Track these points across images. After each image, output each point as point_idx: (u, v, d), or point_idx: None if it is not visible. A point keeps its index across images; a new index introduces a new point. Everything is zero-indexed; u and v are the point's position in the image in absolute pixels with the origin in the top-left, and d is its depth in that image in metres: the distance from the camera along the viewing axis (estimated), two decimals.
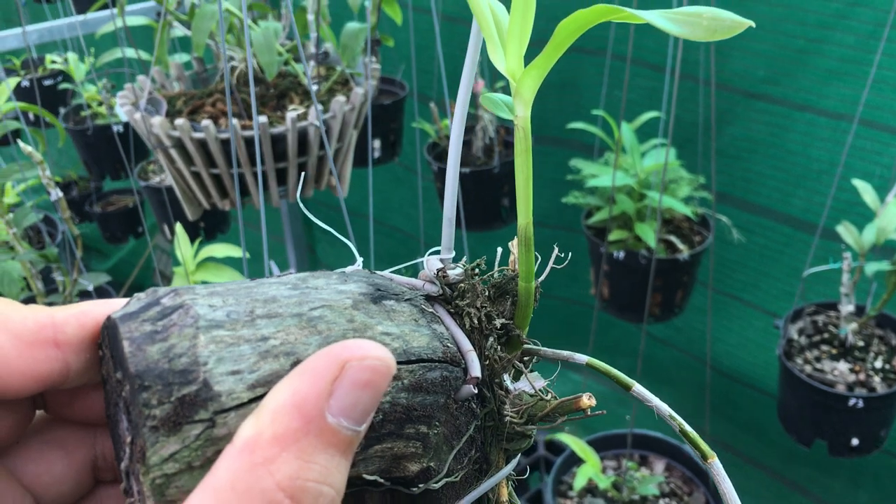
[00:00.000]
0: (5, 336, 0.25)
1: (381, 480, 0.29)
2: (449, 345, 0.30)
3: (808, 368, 1.28)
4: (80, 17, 1.48)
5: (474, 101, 1.63)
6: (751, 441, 1.79)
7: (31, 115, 1.37)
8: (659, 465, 1.42)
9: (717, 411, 1.70)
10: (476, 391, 0.30)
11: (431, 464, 0.30)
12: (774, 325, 1.34)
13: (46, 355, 0.26)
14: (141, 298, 0.26)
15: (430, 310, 0.31)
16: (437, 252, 0.34)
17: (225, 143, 1.04)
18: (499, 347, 0.32)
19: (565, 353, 0.33)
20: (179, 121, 1.02)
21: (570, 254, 0.36)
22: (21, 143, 0.88)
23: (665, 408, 0.31)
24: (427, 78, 1.74)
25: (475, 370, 0.30)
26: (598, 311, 1.56)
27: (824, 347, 1.32)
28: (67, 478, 0.29)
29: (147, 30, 1.33)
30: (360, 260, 0.34)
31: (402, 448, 0.29)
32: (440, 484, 0.30)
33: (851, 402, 1.20)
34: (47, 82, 1.74)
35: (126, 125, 1.62)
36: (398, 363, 0.28)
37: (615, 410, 1.89)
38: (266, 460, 0.22)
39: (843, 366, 1.28)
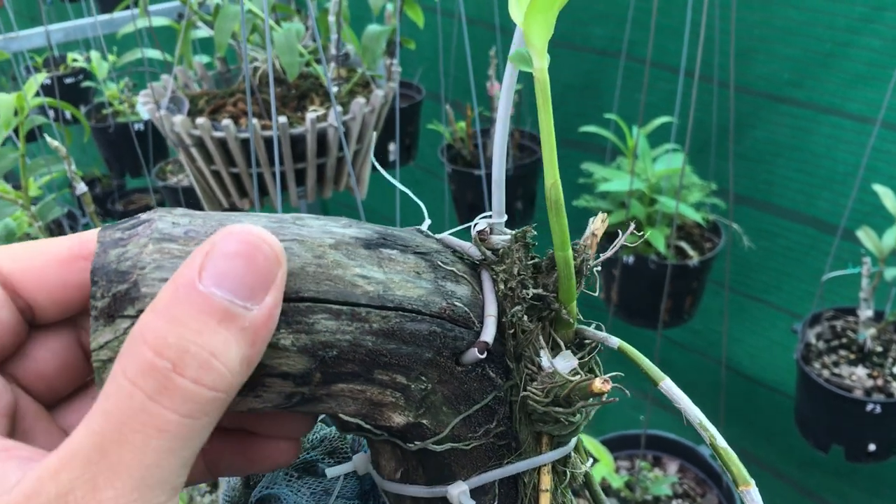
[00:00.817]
0: (45, 258, 0.28)
1: (365, 425, 0.30)
2: (456, 304, 0.30)
3: (825, 373, 1.27)
4: (104, 17, 1.49)
5: (490, 103, 1.64)
6: (767, 446, 1.79)
7: (53, 112, 1.39)
8: (672, 466, 1.42)
9: (736, 415, 1.69)
10: (482, 356, 0.29)
11: (423, 421, 0.30)
12: (792, 329, 1.34)
13: (79, 267, 0.28)
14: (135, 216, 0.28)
15: (451, 268, 0.31)
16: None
17: (245, 143, 1.05)
18: (525, 317, 0.31)
19: (602, 334, 0.32)
20: (200, 120, 1.03)
21: (644, 233, 0.35)
22: (48, 138, 0.90)
23: (695, 412, 0.29)
24: (444, 80, 1.75)
25: (485, 335, 0.30)
26: (612, 316, 1.56)
27: (842, 352, 1.32)
28: (57, 369, 0.30)
29: (168, 30, 1.35)
30: (427, 222, 0.34)
31: (377, 394, 0.29)
32: (443, 447, 0.30)
33: (869, 407, 1.19)
34: (68, 80, 1.76)
35: (146, 124, 1.63)
36: (371, 307, 0.28)
37: (629, 414, 1.89)
38: (141, 328, 0.23)
39: (861, 371, 1.27)
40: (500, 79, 1.64)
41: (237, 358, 0.24)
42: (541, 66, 0.29)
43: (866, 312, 1.29)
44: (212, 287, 0.23)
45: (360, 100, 1.08)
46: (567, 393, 0.30)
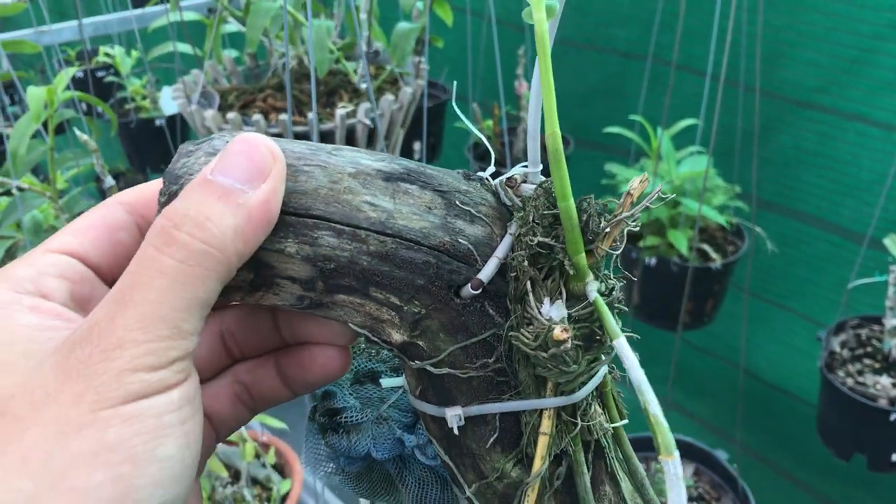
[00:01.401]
0: (107, 231, 0.33)
1: (372, 337, 0.32)
2: (460, 240, 0.32)
3: (849, 381, 1.26)
4: (136, 11, 1.51)
5: (518, 101, 1.64)
6: (787, 454, 1.77)
7: (82, 105, 1.40)
8: (687, 470, 1.41)
9: (756, 422, 1.68)
10: (475, 292, 0.32)
11: (419, 342, 0.32)
12: (817, 337, 1.33)
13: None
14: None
15: (468, 209, 0.32)
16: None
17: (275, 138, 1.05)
18: (525, 263, 0.31)
19: (591, 291, 0.32)
20: (231, 115, 1.03)
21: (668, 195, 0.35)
22: (77, 132, 0.90)
23: (638, 375, 0.29)
24: (472, 80, 1.75)
25: (482, 273, 0.32)
26: (631, 318, 1.56)
27: (867, 361, 1.31)
28: (206, 357, 0.35)
29: (197, 25, 1.36)
30: (491, 170, 0.35)
31: (374, 309, 0.32)
32: (440, 371, 0.33)
33: (893, 416, 1.18)
34: (100, 73, 1.77)
35: (168, 119, 1.64)
36: (370, 231, 0.31)
37: (641, 418, 1.88)
38: (165, 209, 0.29)
39: (885, 380, 1.26)
40: (527, 78, 1.64)
41: (230, 225, 0.28)
42: (539, 17, 0.29)
43: (892, 321, 1.28)
44: (218, 175, 0.29)
45: (389, 97, 1.08)
46: (544, 339, 0.30)
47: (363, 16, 1.15)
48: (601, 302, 0.30)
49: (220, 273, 0.28)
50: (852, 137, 1.42)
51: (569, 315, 0.31)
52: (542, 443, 0.32)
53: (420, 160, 1.57)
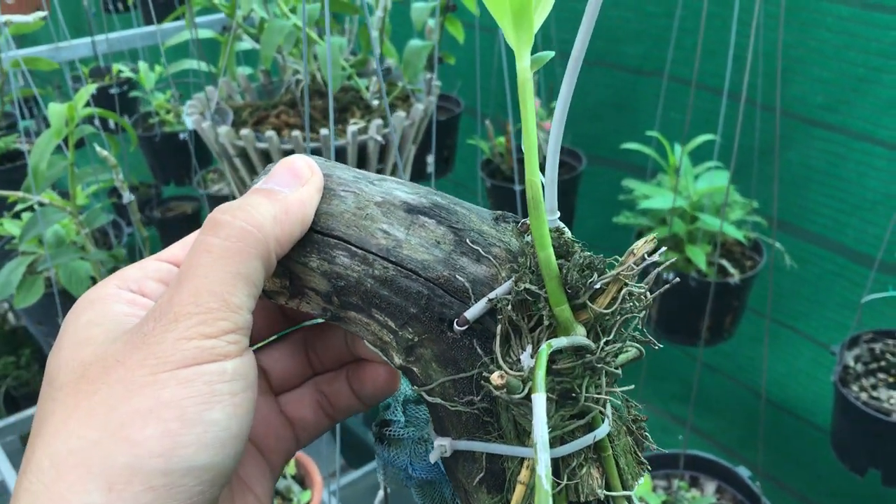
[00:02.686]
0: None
1: (382, 357, 0.34)
2: (458, 277, 0.33)
3: (863, 396, 1.26)
4: (152, 28, 1.52)
5: None
6: (799, 474, 1.76)
7: (98, 121, 1.42)
8: (710, 487, 1.41)
9: (765, 443, 1.68)
10: (461, 328, 0.32)
11: (414, 368, 0.34)
12: (831, 351, 1.33)
13: None
14: None
15: (478, 248, 0.33)
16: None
17: (287, 154, 1.07)
18: (509, 307, 0.32)
19: (579, 340, 0.32)
20: (244, 131, 1.05)
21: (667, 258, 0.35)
22: (98, 148, 0.92)
23: (540, 433, 0.28)
24: (484, 95, 1.76)
25: (469, 311, 0.32)
26: (651, 333, 1.56)
27: (881, 375, 1.30)
28: (292, 366, 0.40)
29: (212, 42, 1.37)
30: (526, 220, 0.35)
31: (377, 330, 0.34)
32: (433, 400, 0.33)
33: None
34: (113, 90, 1.79)
35: (191, 133, 1.66)
36: (377, 256, 0.33)
37: (659, 438, 1.87)
38: (217, 208, 0.33)
39: None
40: (539, 95, 1.65)
41: (269, 211, 0.32)
42: (522, 66, 0.30)
43: None
44: (268, 184, 0.33)
45: (401, 113, 1.09)
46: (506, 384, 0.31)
47: (375, 33, 1.17)
48: (543, 354, 0.30)
49: (261, 252, 0.31)
50: (858, 156, 1.42)
51: (548, 368, 0.31)
52: (519, 492, 0.32)
53: (431, 174, 1.58)
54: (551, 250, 0.32)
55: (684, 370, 1.82)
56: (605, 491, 0.33)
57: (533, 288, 0.32)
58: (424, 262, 0.33)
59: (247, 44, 1.31)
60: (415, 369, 0.34)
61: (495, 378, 0.29)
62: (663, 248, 0.34)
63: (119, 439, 0.27)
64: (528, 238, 0.34)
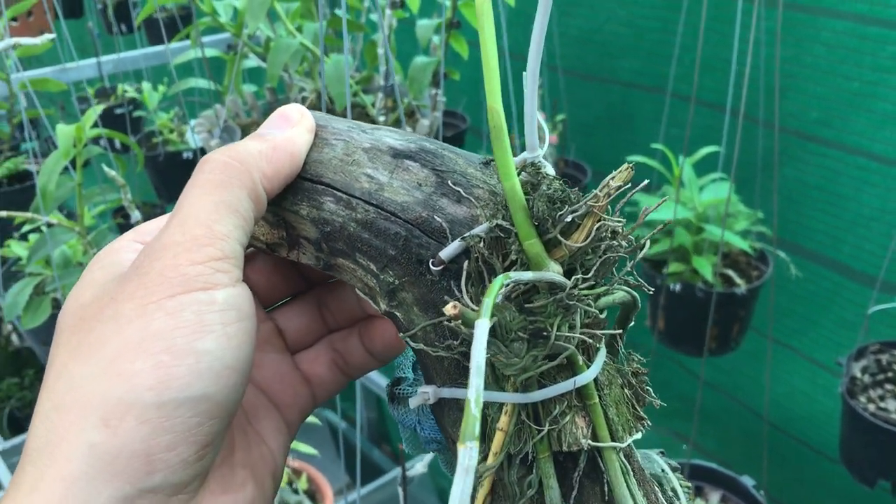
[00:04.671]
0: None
1: (373, 305, 0.34)
2: (436, 217, 0.32)
3: (871, 407, 1.26)
4: (158, 48, 1.54)
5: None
6: (799, 495, 1.75)
7: (103, 142, 1.43)
8: (714, 496, 1.41)
9: (760, 461, 1.67)
10: (436, 268, 0.32)
11: (397, 313, 0.33)
12: (837, 362, 1.33)
13: None
14: None
15: (458, 189, 0.33)
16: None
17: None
18: (482, 244, 0.31)
19: (547, 275, 0.30)
20: (214, 150, 1.05)
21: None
22: (105, 168, 0.92)
23: (477, 361, 0.28)
24: (483, 111, 1.77)
25: (444, 251, 0.32)
26: (651, 352, 1.56)
27: (888, 386, 1.30)
28: (307, 324, 0.40)
29: (216, 61, 1.38)
30: (541, 151, 0.34)
31: (363, 275, 0.34)
32: (417, 346, 0.33)
33: None
34: (118, 110, 1.80)
35: (195, 152, 1.67)
36: (360, 199, 0.33)
37: (663, 447, 1.86)
38: None
39: None
40: (543, 109, 1.66)
41: (254, 147, 0.33)
42: None
43: None
44: (259, 130, 0.34)
45: (407, 129, 1.10)
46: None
47: (381, 50, 1.18)
48: (497, 283, 0.28)
49: (244, 182, 0.31)
50: (854, 172, 1.42)
51: (520, 306, 0.30)
52: (498, 439, 0.31)
53: None
54: (516, 180, 0.30)
55: (684, 387, 1.82)
56: (590, 441, 0.32)
57: (505, 224, 0.31)
58: (404, 204, 0.33)
59: (252, 62, 1.32)
60: (398, 314, 0.33)
61: (449, 308, 0.28)
62: (645, 181, 0.33)
63: (112, 374, 0.27)
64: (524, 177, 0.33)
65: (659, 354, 1.71)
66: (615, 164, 0.31)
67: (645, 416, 0.34)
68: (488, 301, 0.26)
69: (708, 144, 1.47)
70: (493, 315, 0.29)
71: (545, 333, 0.30)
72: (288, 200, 0.34)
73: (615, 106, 1.73)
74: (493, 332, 0.30)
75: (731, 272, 1.42)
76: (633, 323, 0.36)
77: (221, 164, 0.32)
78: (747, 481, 1.37)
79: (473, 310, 0.30)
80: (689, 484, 0.36)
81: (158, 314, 0.28)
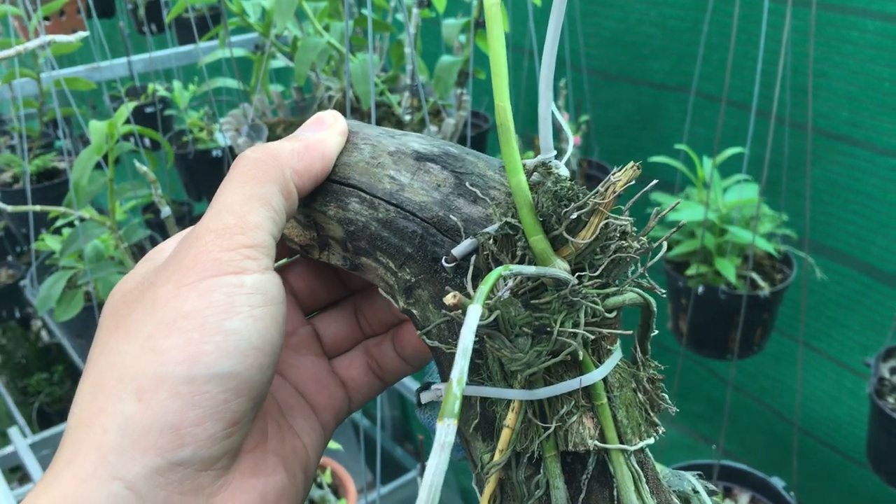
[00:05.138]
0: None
1: (394, 304, 0.35)
2: (452, 217, 0.33)
3: None
4: (187, 47, 1.56)
5: (557, 134, 1.66)
6: (820, 498, 1.74)
7: (135, 138, 1.45)
8: (744, 498, 1.40)
9: (789, 465, 1.66)
10: (448, 265, 0.33)
11: (413, 310, 0.34)
12: (865, 363, 1.32)
13: None
14: None
15: (475, 191, 0.34)
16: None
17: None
18: (491, 241, 0.32)
19: (550, 270, 0.31)
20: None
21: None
22: (137, 164, 0.94)
23: (464, 343, 0.29)
24: (512, 111, 1.78)
25: (456, 248, 0.33)
26: (680, 355, 1.55)
27: None
28: (343, 330, 0.42)
29: (244, 61, 1.40)
30: (543, 158, 0.35)
31: (383, 274, 0.35)
32: (432, 343, 0.34)
33: None
34: (149, 109, 1.83)
35: (224, 151, 1.69)
36: (381, 200, 0.34)
37: (686, 457, 1.86)
38: None
39: None
40: (567, 110, 1.66)
41: (286, 146, 0.34)
42: None
43: None
44: (296, 132, 0.36)
45: (432, 128, 1.11)
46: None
47: (407, 49, 1.19)
48: (494, 273, 0.28)
49: (276, 177, 0.33)
50: (884, 172, 1.40)
51: (526, 302, 0.31)
52: (504, 436, 0.32)
53: None
54: (523, 176, 0.31)
55: (711, 389, 1.81)
56: (597, 442, 0.32)
57: (514, 221, 0.32)
58: (422, 204, 0.34)
59: (279, 61, 1.33)
60: (415, 311, 0.34)
61: (448, 298, 0.28)
62: (655, 181, 0.33)
63: (146, 350, 0.29)
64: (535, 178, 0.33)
65: (684, 356, 1.71)
66: (641, 166, 0.32)
67: (659, 423, 0.34)
68: (483, 288, 0.27)
69: (733, 145, 1.46)
70: (495, 308, 0.30)
71: (549, 329, 0.30)
72: (318, 202, 0.36)
73: (644, 107, 1.73)
74: (498, 326, 0.31)
75: (754, 275, 1.41)
76: (655, 331, 0.36)
77: (255, 160, 0.33)
78: (777, 483, 1.36)
79: (469, 298, 0.30)
80: None
81: (191, 295, 0.30)
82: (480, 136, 1.70)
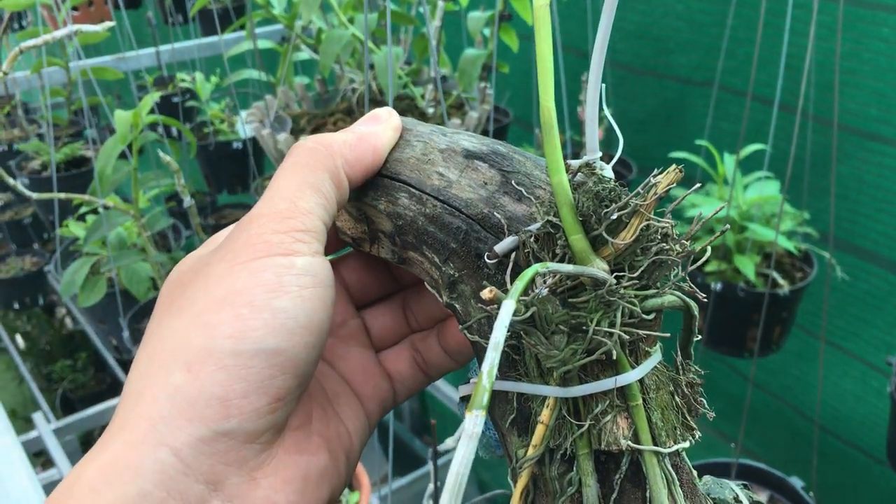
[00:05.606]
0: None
1: (440, 299, 0.36)
2: (496, 214, 0.34)
3: None
4: (213, 38, 1.57)
5: (581, 127, 1.66)
6: (843, 499, 1.72)
7: (160, 129, 1.46)
8: (762, 497, 1.39)
9: (810, 464, 1.65)
10: (490, 261, 0.33)
11: (456, 305, 0.35)
12: (887, 361, 1.31)
13: None
14: None
15: (521, 189, 0.35)
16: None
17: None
18: (532, 239, 0.32)
19: (587, 269, 0.31)
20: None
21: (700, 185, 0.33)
22: (161, 154, 0.95)
23: (496, 337, 0.29)
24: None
25: (499, 245, 0.33)
26: (698, 352, 1.54)
27: None
28: (391, 324, 0.43)
29: (269, 52, 1.41)
30: (589, 158, 0.35)
31: (429, 268, 0.36)
32: (473, 339, 0.34)
33: None
34: (175, 99, 1.85)
35: (245, 143, 1.70)
36: (429, 195, 0.35)
37: (706, 456, 1.85)
38: None
39: None
40: None
41: (339, 137, 0.36)
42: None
43: None
44: (352, 126, 0.37)
45: (455, 121, 1.11)
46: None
47: (432, 42, 1.19)
48: (530, 271, 0.28)
49: (327, 165, 0.34)
50: None
51: (564, 300, 0.31)
52: (539, 432, 0.32)
53: None
54: (564, 176, 0.31)
55: (731, 387, 1.80)
56: (629, 443, 0.32)
57: (555, 220, 0.32)
58: (468, 200, 0.35)
59: (304, 54, 1.34)
60: (457, 306, 0.35)
61: (485, 293, 0.28)
62: (697, 185, 0.34)
63: (197, 325, 0.30)
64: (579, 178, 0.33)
65: (704, 354, 1.70)
66: (661, 160, 0.32)
67: (695, 427, 0.34)
68: (518, 284, 0.27)
69: (755, 141, 1.45)
70: (531, 304, 0.31)
71: (584, 328, 0.30)
72: (369, 196, 0.37)
73: (669, 102, 1.72)
74: (534, 323, 0.31)
75: (774, 273, 1.40)
76: (698, 337, 0.36)
77: (309, 149, 0.35)
78: (796, 482, 1.36)
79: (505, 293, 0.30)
80: None
81: (242, 274, 0.31)
82: (501, 130, 1.70)
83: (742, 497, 0.36)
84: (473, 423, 0.23)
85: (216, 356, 0.30)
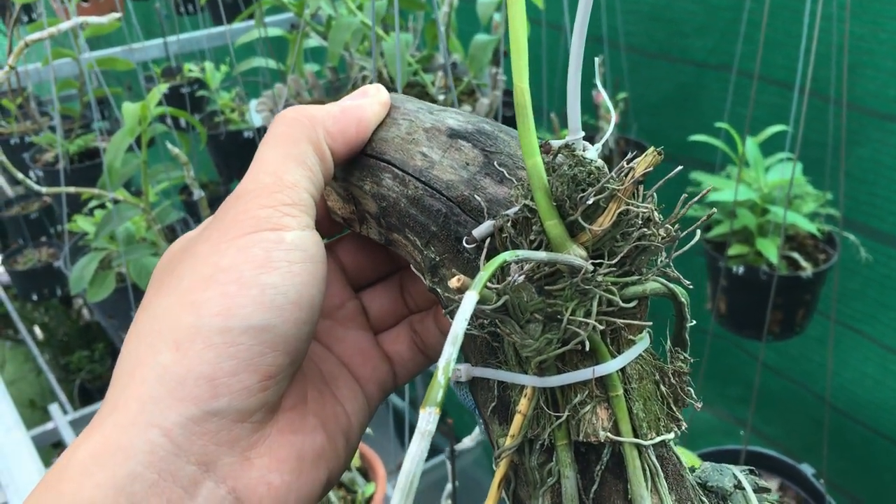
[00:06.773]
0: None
1: (423, 281, 0.35)
2: (476, 196, 0.33)
3: None
4: (221, 28, 1.55)
5: (595, 111, 1.63)
6: (864, 482, 1.70)
7: (169, 120, 1.45)
8: (773, 484, 1.38)
9: (830, 449, 1.63)
10: (468, 245, 0.32)
11: (438, 289, 0.34)
12: None
13: None
14: None
15: (502, 170, 0.33)
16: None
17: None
18: (511, 224, 0.31)
19: (561, 256, 0.29)
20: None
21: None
22: (170, 146, 0.94)
23: (456, 329, 0.24)
24: (548, 90, 1.75)
25: (476, 229, 0.32)
26: (711, 336, 1.52)
27: None
28: (389, 306, 0.42)
29: (279, 40, 1.39)
30: (571, 139, 0.33)
31: (412, 251, 0.35)
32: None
33: None
34: (184, 90, 1.84)
35: (256, 131, 1.69)
36: (412, 176, 0.34)
37: (722, 441, 1.84)
38: None
39: None
40: (605, 87, 1.63)
41: (323, 108, 0.35)
42: None
43: None
44: (332, 106, 0.36)
45: (466, 107, 1.09)
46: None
47: (442, 28, 1.17)
48: (497, 259, 0.27)
49: (309, 136, 0.34)
50: None
51: (541, 288, 0.30)
52: (517, 422, 0.31)
53: None
54: (538, 158, 0.30)
55: (749, 372, 1.78)
56: (609, 434, 0.30)
57: (532, 204, 0.31)
58: (449, 182, 0.34)
59: (314, 41, 1.32)
60: (439, 290, 0.34)
61: (453, 282, 0.28)
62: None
63: (184, 304, 0.30)
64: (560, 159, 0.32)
65: (723, 339, 1.68)
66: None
67: (681, 418, 0.33)
68: (483, 274, 0.26)
69: (777, 123, 1.42)
70: (504, 293, 0.29)
71: (559, 317, 0.29)
72: (355, 176, 0.36)
73: (685, 86, 1.69)
74: (509, 311, 0.30)
75: (796, 255, 1.38)
76: (692, 322, 0.35)
77: (290, 119, 0.34)
78: (806, 469, 1.34)
79: (487, 286, 0.29)
80: None
81: (230, 251, 0.30)
82: (514, 116, 1.68)
83: (745, 482, 0.35)
84: (427, 420, 0.22)
85: (204, 334, 0.29)
